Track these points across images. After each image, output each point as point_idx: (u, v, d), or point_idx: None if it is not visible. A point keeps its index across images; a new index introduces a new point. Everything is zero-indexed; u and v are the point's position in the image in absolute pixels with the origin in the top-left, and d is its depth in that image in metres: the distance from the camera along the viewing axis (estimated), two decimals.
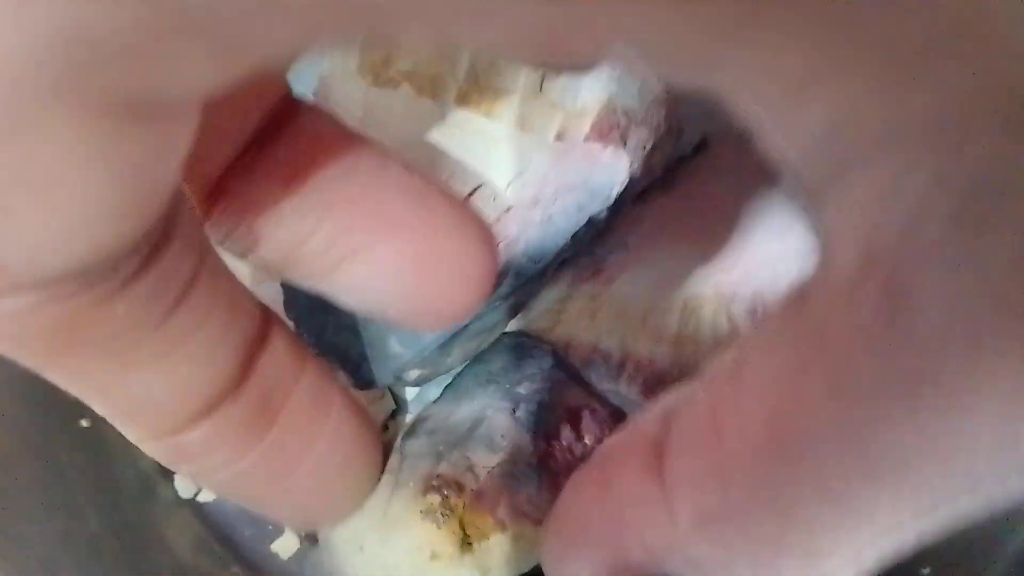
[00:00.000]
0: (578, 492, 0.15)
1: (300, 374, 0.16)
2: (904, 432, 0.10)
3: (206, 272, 0.14)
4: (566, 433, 0.25)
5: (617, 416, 0.27)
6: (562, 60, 0.10)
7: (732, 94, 0.10)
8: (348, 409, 0.17)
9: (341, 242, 0.16)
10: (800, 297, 0.12)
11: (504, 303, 0.26)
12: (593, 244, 0.28)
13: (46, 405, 0.27)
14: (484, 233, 0.16)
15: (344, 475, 0.18)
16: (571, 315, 0.28)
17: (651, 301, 0.28)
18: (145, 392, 0.14)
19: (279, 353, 0.15)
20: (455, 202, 0.16)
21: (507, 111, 0.25)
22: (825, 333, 0.11)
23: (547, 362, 0.27)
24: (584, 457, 0.25)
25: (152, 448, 0.15)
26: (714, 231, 0.28)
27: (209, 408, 0.15)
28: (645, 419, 0.14)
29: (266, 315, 0.16)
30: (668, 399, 0.14)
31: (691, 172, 0.29)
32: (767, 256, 0.28)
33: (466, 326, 0.26)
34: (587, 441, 0.25)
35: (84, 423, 0.28)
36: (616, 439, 0.15)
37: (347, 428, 0.17)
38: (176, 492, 0.29)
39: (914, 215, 0.10)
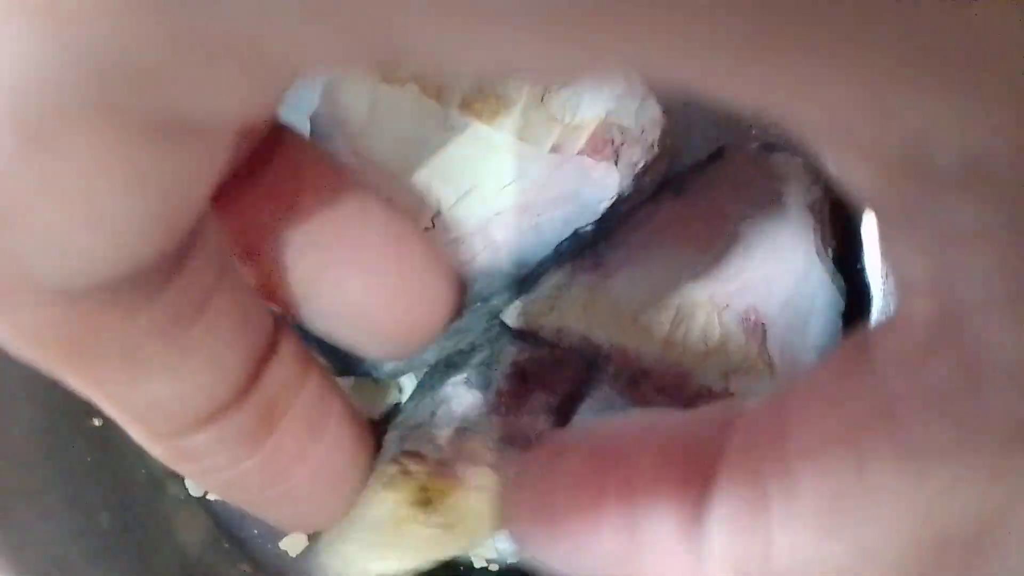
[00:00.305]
0: (590, 507, 0.14)
1: (304, 383, 0.16)
2: (983, 507, 0.10)
3: (224, 285, 0.14)
4: (515, 382, 0.26)
5: (562, 361, 0.27)
6: (587, 80, 0.09)
7: (793, 116, 0.09)
8: (347, 417, 0.18)
9: (316, 277, 0.16)
10: (859, 351, 0.11)
11: (484, 305, 0.26)
12: (579, 255, 0.28)
13: (59, 405, 0.27)
14: (450, 273, 0.17)
15: (341, 480, 0.18)
16: (565, 303, 0.28)
17: (646, 300, 0.28)
18: (155, 397, 0.14)
19: (286, 362, 0.16)
20: (426, 243, 0.17)
21: (507, 120, 0.25)
22: (893, 396, 0.10)
23: (493, 324, 0.27)
24: (534, 406, 0.25)
25: (155, 449, 0.15)
26: (717, 240, 0.29)
27: (215, 414, 0.15)
28: (682, 452, 0.13)
29: (277, 324, 0.16)
30: (705, 424, 0.14)
31: (704, 179, 0.30)
32: (766, 273, 0.28)
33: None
34: (533, 389, 0.26)
35: (96, 422, 0.28)
36: (643, 453, 0.14)
37: (346, 435, 0.18)
38: (186, 490, 0.30)
39: (997, 267, 0.09)
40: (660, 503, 0.13)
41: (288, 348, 0.16)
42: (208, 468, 0.16)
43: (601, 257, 0.28)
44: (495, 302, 0.27)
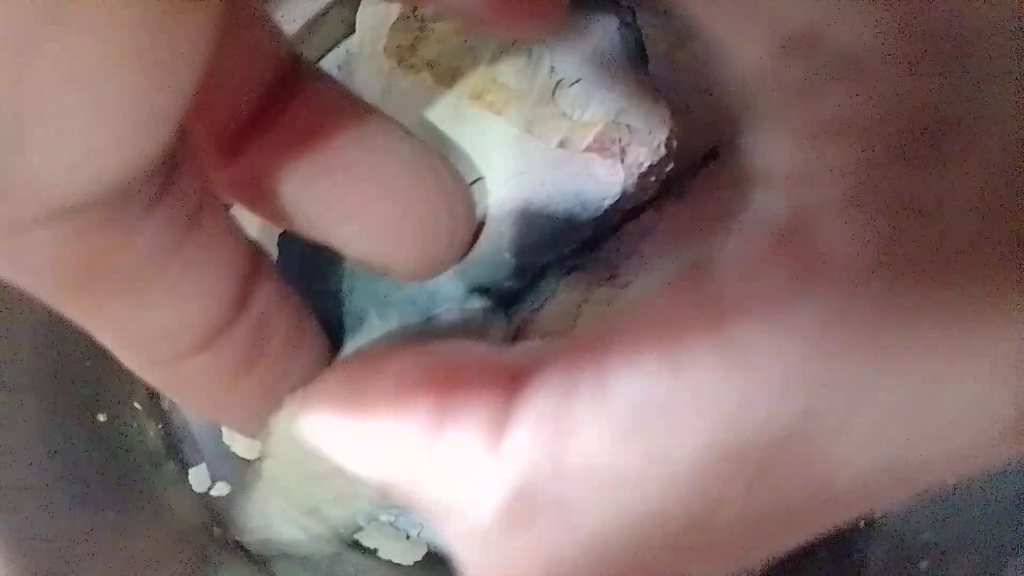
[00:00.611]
0: (399, 397, 0.14)
1: (285, 307, 0.17)
2: (785, 416, 0.10)
3: (209, 200, 0.14)
4: None
5: None
6: None
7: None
8: (319, 339, 0.18)
9: (342, 204, 0.17)
10: (701, 265, 0.11)
11: (482, 297, 0.27)
12: (579, 254, 0.28)
13: (64, 401, 0.27)
14: (468, 200, 0.18)
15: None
16: (587, 318, 0.28)
17: None
18: (154, 321, 0.14)
19: (269, 285, 0.16)
20: (448, 169, 0.18)
21: (516, 113, 0.25)
22: (724, 301, 0.11)
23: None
24: None
25: (150, 374, 0.15)
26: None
27: (211, 335, 0.15)
28: (504, 362, 0.13)
29: (256, 247, 0.16)
30: (527, 349, 0.14)
31: (701, 181, 0.30)
32: None
33: (442, 314, 0.26)
34: None
35: (101, 418, 0.28)
36: (465, 358, 0.14)
37: (321, 359, 0.18)
38: (190, 486, 0.30)
39: (851, 167, 0.09)
40: (472, 399, 0.13)
41: (269, 274, 0.16)
42: (203, 393, 0.16)
43: (615, 268, 0.29)
44: (493, 296, 0.27)
